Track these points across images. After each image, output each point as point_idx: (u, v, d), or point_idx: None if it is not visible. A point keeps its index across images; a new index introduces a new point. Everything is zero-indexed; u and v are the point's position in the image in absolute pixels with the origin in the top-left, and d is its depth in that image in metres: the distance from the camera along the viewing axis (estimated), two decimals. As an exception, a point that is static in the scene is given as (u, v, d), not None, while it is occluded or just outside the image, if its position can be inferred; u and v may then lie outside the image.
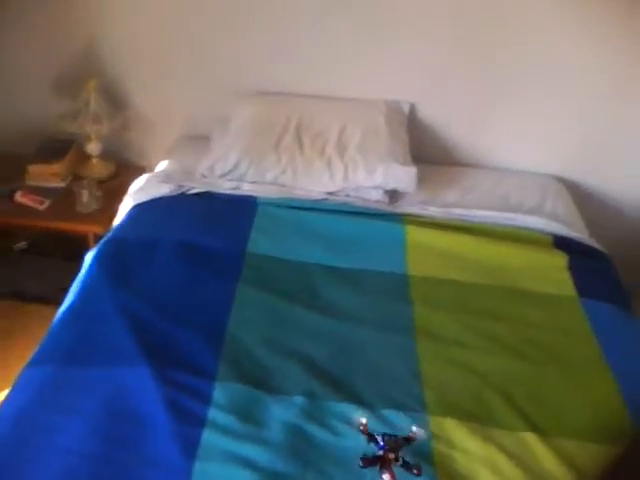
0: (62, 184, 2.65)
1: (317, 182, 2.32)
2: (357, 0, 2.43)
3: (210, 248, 2.00)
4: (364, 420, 1.47)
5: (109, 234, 2.09)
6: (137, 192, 2.31)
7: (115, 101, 2.69)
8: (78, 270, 1.93)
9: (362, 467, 1.39)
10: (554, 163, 2.70)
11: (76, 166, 2.72)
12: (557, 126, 2.63)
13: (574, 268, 2.07)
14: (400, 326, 1.79)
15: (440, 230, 2.18)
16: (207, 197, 2.26)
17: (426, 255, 2.08)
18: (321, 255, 2.03)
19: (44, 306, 2.40)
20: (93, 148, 2.69)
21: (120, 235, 2.07)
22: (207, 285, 1.86)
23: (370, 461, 1.40)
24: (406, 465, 1.38)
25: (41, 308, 2.45)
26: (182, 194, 2.25)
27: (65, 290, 1.86)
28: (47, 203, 2.55)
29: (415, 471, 1.38)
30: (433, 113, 2.65)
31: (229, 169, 2.31)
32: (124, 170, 2.78)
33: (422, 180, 2.33)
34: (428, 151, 2.67)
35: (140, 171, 2.63)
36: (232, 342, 1.67)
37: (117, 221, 2.25)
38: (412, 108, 2.63)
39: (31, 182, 2.62)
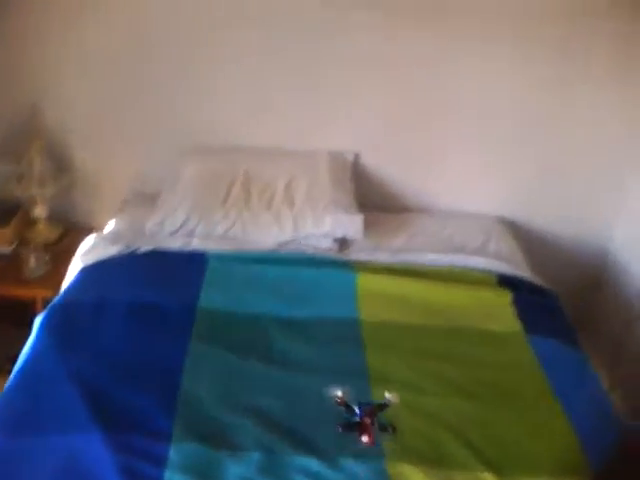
0: (8, 249, 2.61)
1: (266, 234, 2.35)
2: (298, 54, 2.52)
3: (161, 306, 1.99)
4: (339, 393, 1.66)
5: (57, 298, 2.06)
6: (85, 254, 2.29)
7: (60, 162, 2.68)
8: (28, 336, 1.89)
9: (341, 432, 1.58)
10: (496, 205, 2.80)
11: (22, 230, 2.69)
12: (496, 169, 2.75)
13: (519, 304, 2.14)
14: (354, 372, 1.80)
15: (389, 275, 2.22)
16: (157, 255, 2.25)
17: (377, 300, 2.11)
18: (273, 306, 2.04)
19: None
20: (39, 211, 2.67)
21: (68, 298, 2.05)
22: (159, 344, 1.84)
23: (349, 427, 1.60)
24: (382, 427, 1.60)
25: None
26: (131, 253, 2.24)
27: (14, 360, 1.82)
28: (-7, 269, 2.50)
29: (390, 429, 1.60)
30: (377, 162, 2.74)
31: (178, 225, 2.33)
32: (72, 232, 2.76)
33: (370, 227, 2.39)
34: (374, 198, 2.74)
35: (88, 232, 2.61)
36: (187, 401, 1.65)
37: (66, 284, 2.22)
38: (356, 157, 2.71)
39: (-25, 248, 2.58)
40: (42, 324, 1.90)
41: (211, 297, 2.06)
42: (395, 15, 2.43)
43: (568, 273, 2.81)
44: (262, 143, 2.67)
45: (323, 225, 2.34)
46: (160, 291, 2.07)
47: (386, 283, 2.18)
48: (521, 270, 2.37)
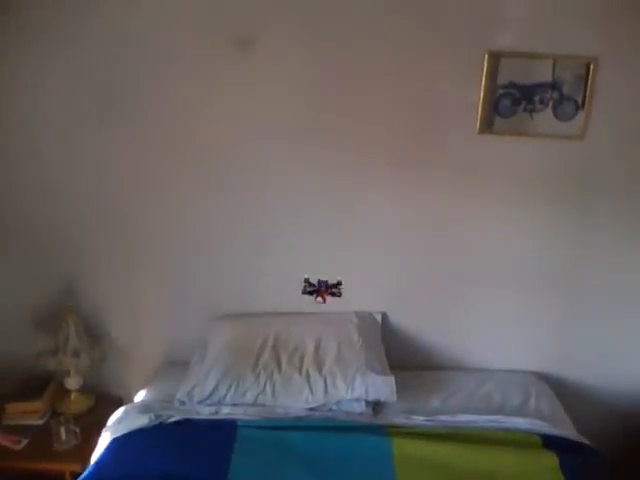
0: (40, 421, 2.60)
1: (297, 398, 2.31)
2: (320, 225, 2.62)
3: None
4: (307, 275, 2.15)
5: (86, 473, 2.02)
6: (115, 425, 2.27)
7: (93, 333, 2.74)
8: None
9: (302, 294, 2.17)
10: (532, 360, 2.75)
11: (55, 402, 2.70)
12: (527, 324, 2.73)
13: (565, 468, 2.02)
14: None
15: (427, 440, 2.14)
16: (186, 425, 2.22)
17: (415, 469, 2.01)
18: (305, 478, 1.96)
19: None
20: (72, 382, 2.69)
21: (97, 473, 2.01)
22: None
23: (309, 292, 2.30)
24: (332, 293, 2.22)
25: None
26: (160, 424, 2.21)
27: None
28: (24, 442, 2.49)
29: (337, 293, 2.20)
30: (405, 320, 2.74)
31: (208, 393, 2.31)
32: (103, 402, 2.76)
33: (404, 387, 2.34)
34: (405, 358, 2.71)
35: (119, 402, 2.61)
36: None
37: (95, 457, 2.18)
38: (384, 317, 2.72)
39: (8, 421, 2.58)
40: (68, 503, 1.84)
41: (241, 469, 1.99)
42: (413, 174, 2.55)
43: (613, 428, 2.70)
44: (289, 308, 2.71)
45: (355, 388, 2.30)
46: (189, 464, 2.02)
47: (424, 449, 2.09)
48: (565, 429, 2.28)
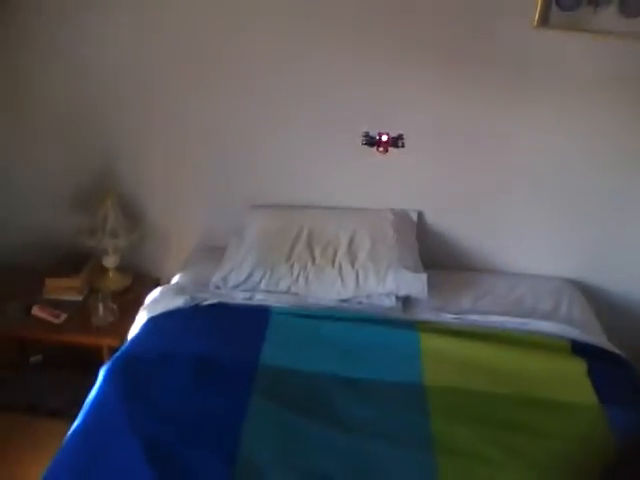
0: (79, 297, 2.68)
1: (329, 290, 2.34)
2: (359, 119, 2.51)
3: (223, 361, 1.99)
4: (366, 128, 2.16)
5: (122, 348, 2.09)
6: (152, 305, 2.33)
7: (132, 215, 2.77)
8: (93, 383, 1.92)
9: (363, 144, 2.18)
10: (566, 266, 2.72)
11: (93, 279, 2.77)
12: (567, 229, 2.67)
13: (594, 374, 2.02)
14: (418, 440, 1.74)
15: (455, 337, 2.15)
16: (221, 308, 2.27)
17: (442, 364, 2.04)
18: (335, 366, 2.01)
19: (58, 420, 2.37)
20: (110, 261, 2.74)
21: (133, 350, 2.07)
22: (220, 400, 1.83)
23: (369, 143, 2.19)
24: (395, 145, 2.17)
25: (55, 423, 2.41)
26: (196, 306, 2.26)
27: (80, 404, 1.84)
28: (63, 317, 2.57)
29: (400, 144, 2.21)
30: (441, 220, 2.71)
31: (242, 280, 2.35)
32: (140, 282, 2.83)
33: (434, 286, 2.35)
34: (439, 257, 2.70)
35: (156, 283, 2.67)
36: (245, 462, 1.62)
37: (132, 334, 2.25)
38: (420, 215, 2.69)
39: (48, 296, 2.67)
40: (106, 375, 1.92)
41: (272, 353, 2.05)
42: (456, 70, 2.43)
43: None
44: (326, 202, 2.69)
45: (386, 283, 2.32)
46: (223, 346, 2.07)
47: (452, 346, 2.12)
48: (596, 336, 2.27)
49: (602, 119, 2.46)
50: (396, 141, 2.09)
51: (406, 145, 2.52)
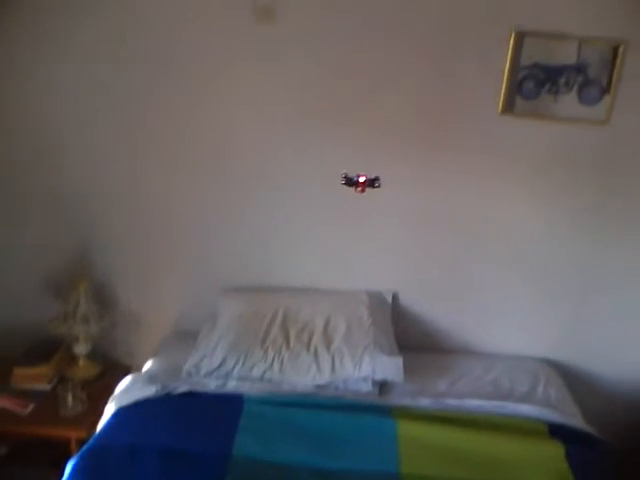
0: (47, 387, 2.61)
1: (304, 375, 2.31)
2: (335, 202, 2.58)
3: (195, 453, 1.93)
4: (344, 171, 2.21)
5: (90, 441, 2.03)
6: (122, 394, 2.28)
7: (104, 301, 2.74)
8: (60, 478, 1.85)
9: (342, 184, 2.25)
10: (540, 345, 2.73)
11: (63, 368, 2.70)
12: (540, 310, 2.70)
13: (571, 458, 2.00)
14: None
15: (432, 423, 2.12)
16: (192, 397, 2.22)
17: (419, 451, 2.00)
18: (310, 456, 1.96)
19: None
20: (81, 349, 2.69)
21: (101, 443, 2.01)
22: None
23: (349, 183, 2.25)
24: (372, 185, 2.25)
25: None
26: (167, 395, 2.21)
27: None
28: (31, 407, 2.49)
29: (376, 185, 2.24)
30: (416, 301, 2.72)
31: (215, 366, 2.31)
32: (111, 370, 2.77)
33: (411, 369, 2.33)
34: (414, 339, 2.70)
35: (127, 370, 2.62)
36: None
37: (101, 425, 2.19)
38: (395, 297, 2.70)
39: (16, 385, 2.59)
40: (72, 470, 1.86)
41: (246, 444, 1.99)
42: (430, 154, 2.51)
43: (621, 417, 2.71)
44: (300, 283, 2.70)
45: (362, 367, 2.29)
46: (194, 436, 2.01)
47: (429, 432, 2.08)
48: (572, 418, 2.26)
49: (564, 196, 2.54)
50: (373, 182, 2.25)
51: (381, 225, 2.59)
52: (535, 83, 2.40)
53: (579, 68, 2.36)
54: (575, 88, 2.39)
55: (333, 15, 2.35)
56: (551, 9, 2.31)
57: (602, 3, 2.29)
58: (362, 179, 2.26)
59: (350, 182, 2.26)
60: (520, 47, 2.34)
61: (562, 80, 2.39)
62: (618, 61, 2.33)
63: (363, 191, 2.25)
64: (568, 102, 2.41)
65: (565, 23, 2.31)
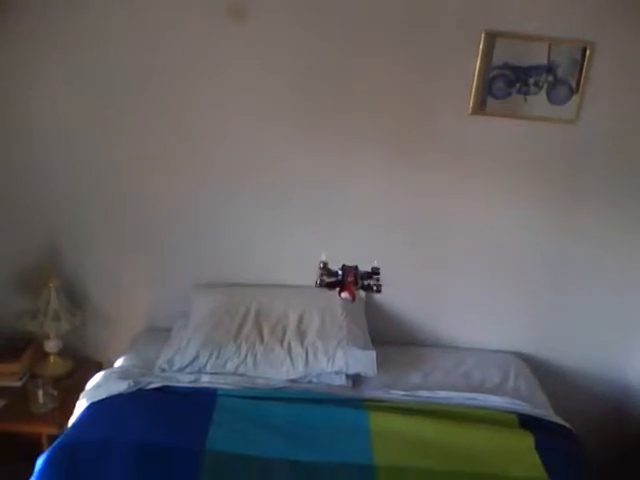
0: (18, 383, 2.59)
1: (278, 370, 2.31)
2: (309, 199, 2.60)
3: (167, 448, 1.91)
4: (323, 257, 1.67)
5: (62, 436, 2.00)
6: (93, 390, 2.25)
7: (74, 298, 2.72)
8: (31, 474, 1.83)
9: (318, 286, 1.67)
10: (512, 340, 2.78)
11: (33, 364, 2.68)
12: (511, 305, 2.75)
13: (541, 448, 2.04)
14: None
15: (405, 415, 2.14)
16: (165, 392, 2.20)
17: (391, 443, 2.02)
18: (283, 449, 1.96)
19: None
20: (52, 346, 2.66)
21: (72, 438, 1.98)
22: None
23: (330, 285, 1.63)
24: (366, 288, 1.64)
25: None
26: (139, 390, 2.20)
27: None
28: (1, 404, 2.47)
29: (375, 288, 1.65)
30: (390, 296, 2.73)
31: (188, 361, 2.30)
32: (82, 366, 2.74)
33: (384, 362, 2.35)
34: (388, 333, 2.72)
35: (98, 367, 2.60)
36: None
37: (72, 421, 2.16)
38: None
39: (-14, 382, 2.55)
40: (43, 466, 1.84)
41: (219, 438, 1.98)
42: (402, 154, 2.55)
43: (588, 408, 2.77)
44: (273, 279, 2.70)
45: (335, 361, 2.31)
46: (168, 431, 2.00)
47: (401, 424, 2.10)
48: (542, 409, 2.31)
49: (534, 194, 2.59)
50: (369, 277, 1.64)
51: (356, 222, 2.61)
52: (505, 83, 2.44)
53: (549, 68, 2.42)
54: (545, 88, 2.44)
55: (300, 18, 2.37)
56: (523, 11, 2.35)
57: (571, 6, 2.34)
58: (351, 278, 1.53)
59: (332, 283, 1.60)
60: (492, 48, 2.38)
61: (532, 80, 2.44)
62: (586, 62, 2.39)
63: (353, 299, 1.61)
64: (538, 102, 2.46)
65: (536, 25, 2.35)
